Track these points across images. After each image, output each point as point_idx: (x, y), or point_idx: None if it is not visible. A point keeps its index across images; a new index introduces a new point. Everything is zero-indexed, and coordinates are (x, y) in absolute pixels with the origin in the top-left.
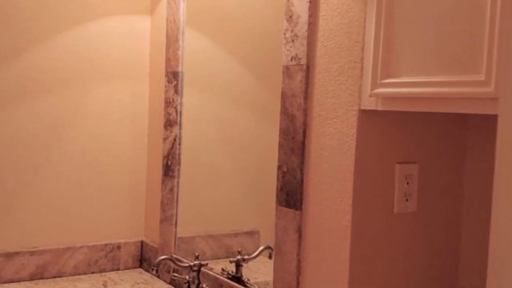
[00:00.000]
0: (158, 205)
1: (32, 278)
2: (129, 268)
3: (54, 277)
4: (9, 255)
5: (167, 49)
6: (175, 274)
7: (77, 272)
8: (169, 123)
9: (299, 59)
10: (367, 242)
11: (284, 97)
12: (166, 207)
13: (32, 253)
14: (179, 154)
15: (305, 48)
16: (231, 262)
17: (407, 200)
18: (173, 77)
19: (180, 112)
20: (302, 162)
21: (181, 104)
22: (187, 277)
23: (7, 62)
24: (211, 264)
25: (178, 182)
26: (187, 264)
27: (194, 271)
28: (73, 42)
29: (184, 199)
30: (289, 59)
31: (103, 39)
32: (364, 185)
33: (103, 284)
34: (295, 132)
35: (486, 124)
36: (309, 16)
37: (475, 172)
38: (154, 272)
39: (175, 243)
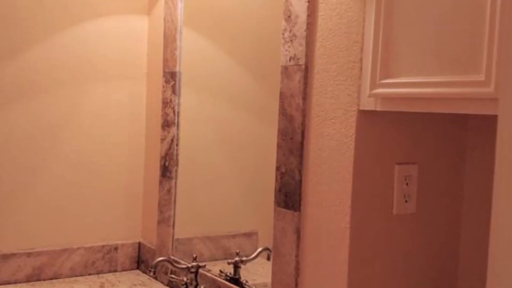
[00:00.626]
0: (155, 206)
1: (28, 280)
2: (126, 270)
3: (51, 279)
4: (5, 257)
5: (165, 49)
6: (173, 276)
7: (74, 274)
8: (167, 124)
9: (298, 59)
10: (366, 244)
11: (282, 97)
12: (164, 208)
13: (28, 255)
14: (177, 154)
15: (303, 48)
16: (229, 263)
17: (406, 201)
18: (171, 77)
19: (178, 112)
20: (300, 163)
21: (178, 104)
22: (185, 279)
23: (3, 62)
24: (209, 265)
25: (175, 183)
26: (184, 266)
27: (191, 272)
28: (70, 42)
29: (182, 200)
30: (288, 59)
31: (100, 39)
32: (363, 186)
33: (100, 286)
34: (294, 133)
35: (486, 125)
36: (308, 16)
37: (475, 172)
38: (151, 273)
39: (172, 245)
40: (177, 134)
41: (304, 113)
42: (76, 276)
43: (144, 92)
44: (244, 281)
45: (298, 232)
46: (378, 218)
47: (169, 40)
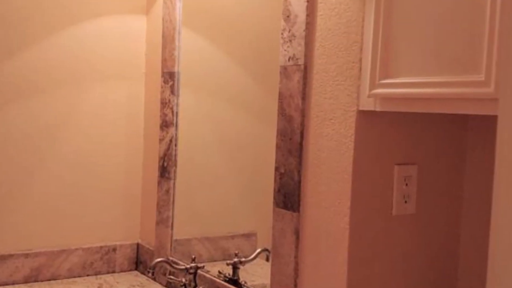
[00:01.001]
0: (154, 207)
1: (26, 281)
2: (124, 271)
3: (49, 280)
4: (3, 258)
5: (163, 49)
6: (171, 277)
7: (72, 275)
8: (165, 124)
9: (297, 59)
10: (365, 244)
11: (281, 97)
12: (162, 209)
13: (26, 256)
14: (175, 155)
15: (302, 48)
16: (228, 264)
17: (406, 202)
18: (169, 77)
19: (176, 112)
20: (299, 163)
21: (177, 104)
22: (184, 280)
23: (1, 62)
24: (208, 266)
25: (174, 183)
26: (183, 267)
27: (190, 273)
28: (68, 42)
29: (180, 200)
30: (287, 59)
31: (98, 39)
32: (363, 187)
33: (98, 287)
34: (293, 133)
35: (486, 125)
36: (307, 15)
37: (475, 173)
38: (150, 274)
39: (171, 246)
40: (176, 135)
41: (303, 114)
42: (74, 277)
43: (143, 92)
44: (243, 282)
45: (297, 233)
46: (378, 218)
47: (168, 40)
